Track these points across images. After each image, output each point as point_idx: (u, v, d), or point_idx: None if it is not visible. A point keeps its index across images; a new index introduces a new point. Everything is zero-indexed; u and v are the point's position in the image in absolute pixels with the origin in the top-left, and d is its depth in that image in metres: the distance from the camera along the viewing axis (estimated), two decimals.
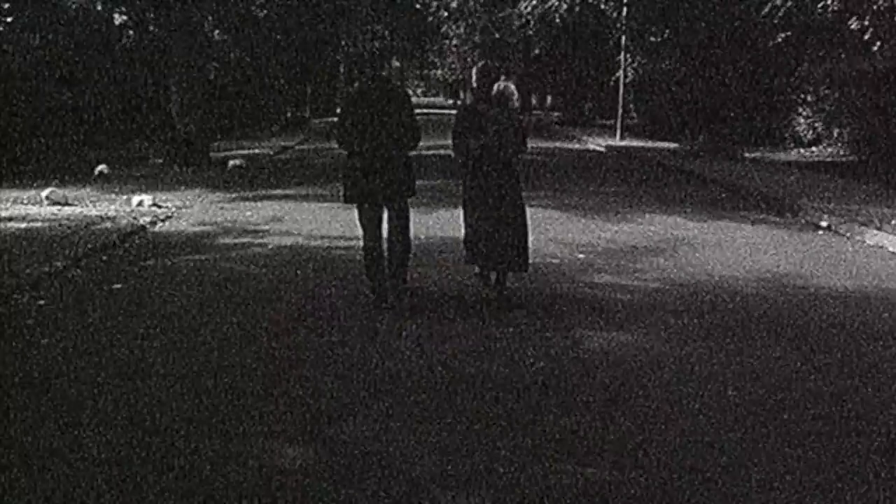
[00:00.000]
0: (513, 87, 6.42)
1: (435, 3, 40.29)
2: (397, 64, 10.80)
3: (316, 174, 15.48)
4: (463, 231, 6.41)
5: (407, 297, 6.15)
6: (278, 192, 12.69)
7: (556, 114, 42.70)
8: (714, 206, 11.32)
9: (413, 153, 6.14)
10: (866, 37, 13.25)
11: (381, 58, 6.21)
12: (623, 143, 22.63)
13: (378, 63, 6.20)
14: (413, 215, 6.36)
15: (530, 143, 7.12)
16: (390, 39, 42.32)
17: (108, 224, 9.13)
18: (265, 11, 26.83)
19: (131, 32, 22.20)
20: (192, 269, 7.31)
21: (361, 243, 6.15)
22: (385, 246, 6.12)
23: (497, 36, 39.28)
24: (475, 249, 6.15)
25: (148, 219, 9.63)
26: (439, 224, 9.31)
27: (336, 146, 6.37)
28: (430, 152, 13.40)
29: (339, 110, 6.13)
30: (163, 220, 9.84)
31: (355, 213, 6.18)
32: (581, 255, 7.86)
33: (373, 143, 5.87)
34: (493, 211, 6.03)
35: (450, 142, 6.35)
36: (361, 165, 5.92)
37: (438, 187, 12.07)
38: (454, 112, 6.63)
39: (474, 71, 6.54)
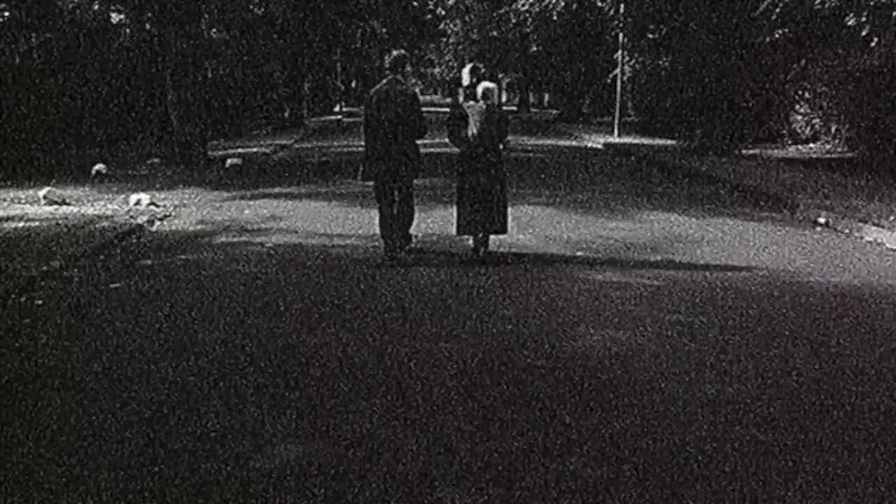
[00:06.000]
0: (494, 86, 7.54)
1: (432, 1, 40.31)
2: (409, 69, 11.14)
3: (314, 173, 15.48)
4: (455, 210, 7.58)
5: (410, 254, 7.72)
6: (276, 190, 12.68)
7: (553, 111, 42.74)
8: (712, 203, 11.32)
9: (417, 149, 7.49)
10: (864, 33, 13.25)
11: (396, 64, 7.29)
12: (621, 141, 22.63)
13: (394, 69, 7.36)
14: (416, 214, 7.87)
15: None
16: (388, 38, 42.35)
17: (106, 223, 9.12)
18: (262, 10, 26.79)
19: (128, 31, 22.17)
20: (189, 268, 7.30)
21: (377, 214, 7.56)
22: (394, 212, 7.56)
23: (495, 33, 39.32)
24: (464, 221, 7.48)
25: (145, 218, 9.62)
26: (438, 223, 9.31)
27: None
28: (429, 150, 13.39)
29: (363, 107, 7.50)
30: (160, 220, 9.82)
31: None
32: (579, 253, 7.86)
33: (387, 134, 7.22)
34: (481, 187, 7.35)
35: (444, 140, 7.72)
36: (378, 151, 7.28)
37: (437, 186, 12.07)
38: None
39: (466, 70, 7.91)
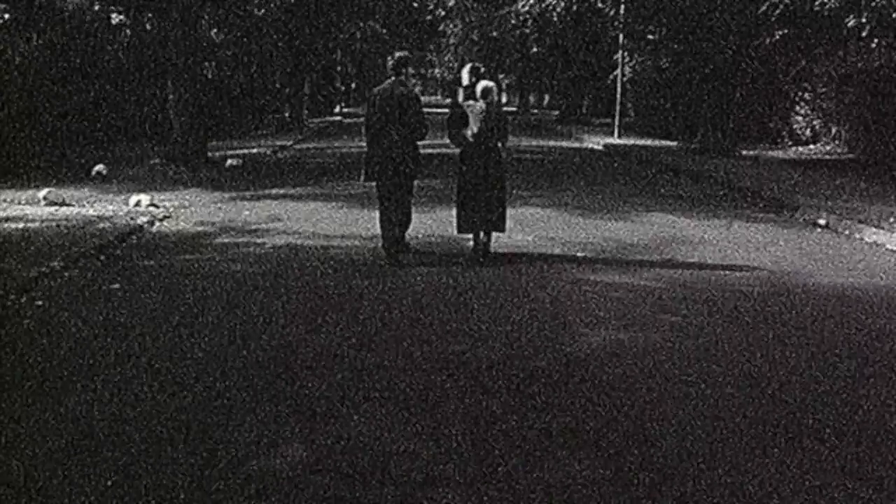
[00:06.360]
0: (493, 84, 7.63)
1: (432, 2, 40.31)
2: (412, 71, 11.37)
3: (313, 173, 15.47)
4: (455, 210, 7.67)
5: (405, 250, 7.72)
6: (276, 191, 12.68)
7: (554, 112, 42.72)
8: (712, 204, 11.32)
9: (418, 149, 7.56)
10: (864, 34, 13.26)
11: (399, 66, 7.45)
12: (621, 142, 22.64)
13: (397, 70, 7.40)
14: (414, 216, 7.88)
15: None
16: (389, 38, 42.35)
17: (106, 224, 9.11)
18: (263, 11, 26.80)
19: (128, 32, 22.16)
20: (189, 268, 7.30)
21: (378, 214, 7.65)
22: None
23: (495, 34, 39.29)
24: (464, 219, 7.55)
25: (145, 219, 9.61)
26: (438, 224, 9.31)
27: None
28: (428, 151, 13.40)
29: (367, 107, 7.56)
30: (160, 220, 9.82)
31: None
32: (580, 253, 7.86)
33: (389, 134, 7.28)
34: (480, 185, 7.43)
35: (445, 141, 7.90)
36: (380, 152, 7.34)
37: (437, 188, 12.07)
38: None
39: (465, 70, 8.02)
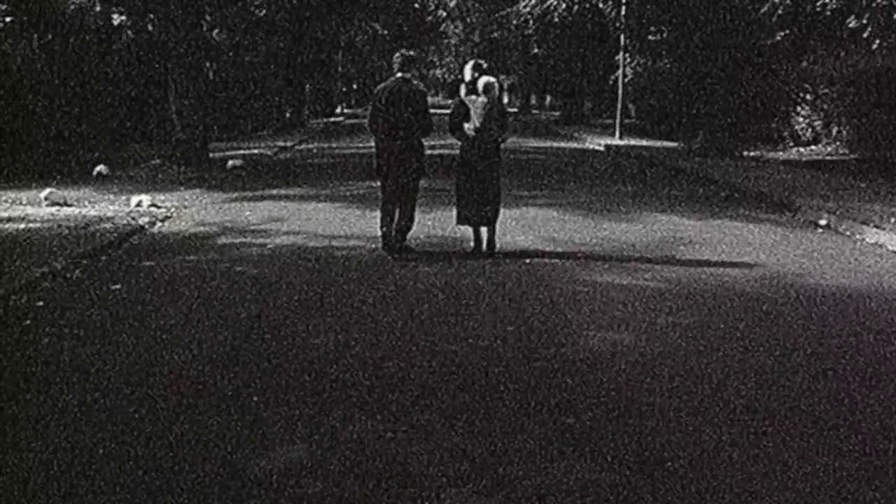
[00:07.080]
0: (494, 80, 7.85)
1: (433, 3, 40.34)
2: (415, 72, 11.63)
3: (314, 174, 15.48)
4: (455, 201, 7.85)
5: (407, 252, 7.71)
6: (277, 192, 12.69)
7: (555, 113, 42.74)
8: (713, 205, 11.32)
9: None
10: (865, 35, 13.26)
11: (407, 64, 7.60)
12: (622, 143, 22.63)
13: (403, 68, 7.54)
14: (415, 215, 7.91)
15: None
16: (390, 39, 42.38)
17: (107, 225, 9.12)
18: (264, 11, 26.81)
19: (130, 33, 22.17)
20: (190, 269, 7.30)
21: (379, 207, 7.87)
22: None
23: (496, 35, 39.34)
24: (464, 212, 7.74)
25: (147, 219, 9.62)
26: (439, 223, 9.31)
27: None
28: (429, 151, 13.40)
29: (371, 103, 7.69)
30: (162, 221, 9.83)
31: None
32: (580, 255, 7.86)
33: (395, 130, 7.43)
34: (479, 179, 7.63)
35: (447, 141, 8.14)
36: (385, 146, 7.50)
37: (438, 187, 12.07)
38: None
39: (468, 66, 8.12)
